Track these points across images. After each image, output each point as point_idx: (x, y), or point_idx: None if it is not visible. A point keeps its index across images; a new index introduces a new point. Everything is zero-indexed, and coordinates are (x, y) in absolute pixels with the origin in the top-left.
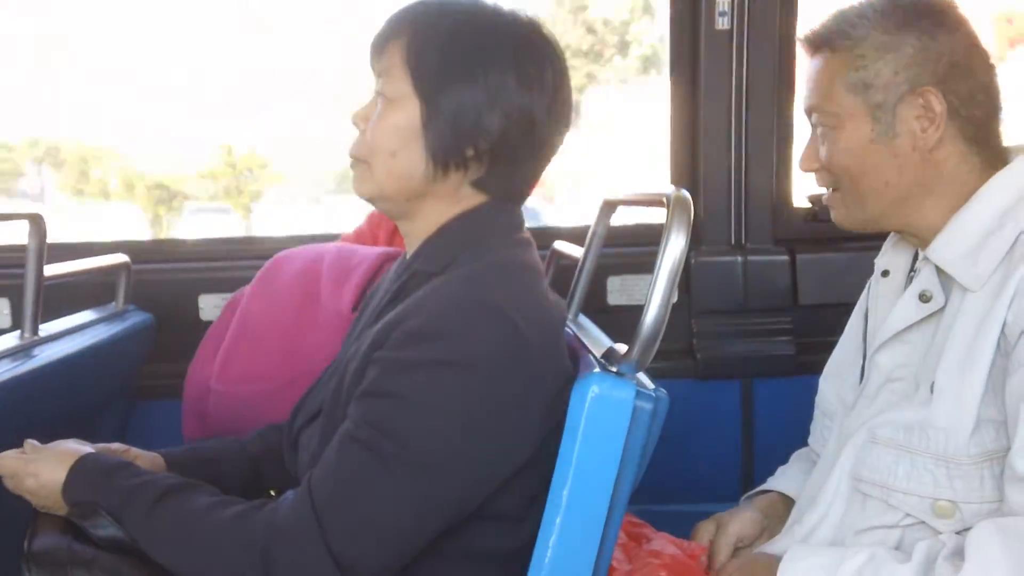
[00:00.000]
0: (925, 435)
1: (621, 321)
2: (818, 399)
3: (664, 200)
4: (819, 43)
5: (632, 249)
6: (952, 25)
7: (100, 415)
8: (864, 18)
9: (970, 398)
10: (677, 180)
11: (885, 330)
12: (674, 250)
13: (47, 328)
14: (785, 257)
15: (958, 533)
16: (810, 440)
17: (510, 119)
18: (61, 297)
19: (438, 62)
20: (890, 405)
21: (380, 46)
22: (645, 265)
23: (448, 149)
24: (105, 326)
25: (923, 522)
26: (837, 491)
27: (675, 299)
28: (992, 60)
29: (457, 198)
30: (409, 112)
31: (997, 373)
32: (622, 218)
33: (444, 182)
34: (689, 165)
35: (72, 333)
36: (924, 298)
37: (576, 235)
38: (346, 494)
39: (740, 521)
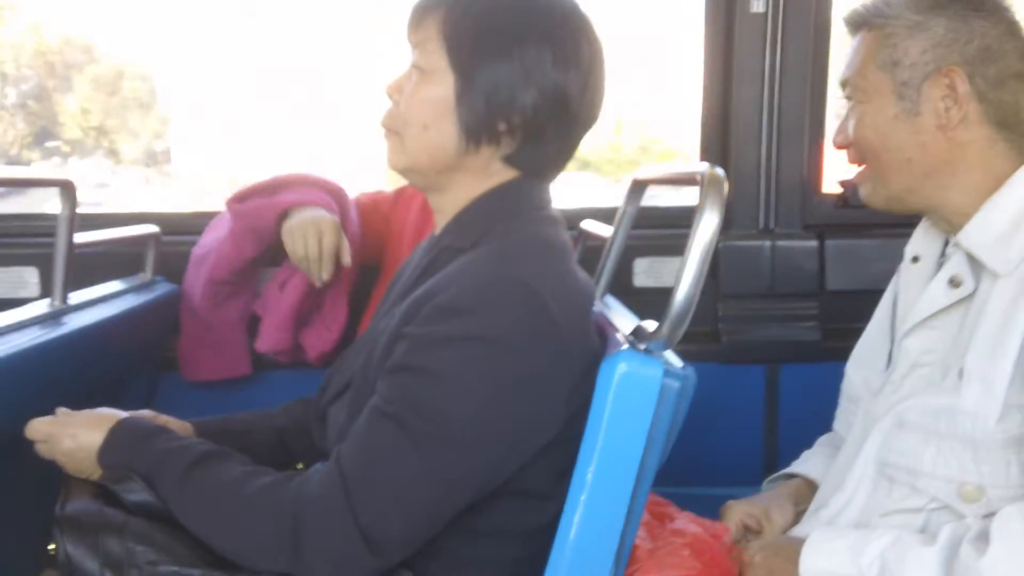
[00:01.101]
0: (953, 420)
1: (647, 303)
2: (844, 384)
3: (698, 178)
4: (859, 22)
5: (660, 231)
6: (988, 10)
7: (127, 384)
8: None
9: (999, 383)
10: (708, 155)
11: (914, 315)
12: (708, 228)
13: (76, 296)
14: (814, 242)
15: (983, 517)
16: (835, 425)
17: (544, 96)
18: (90, 267)
19: (474, 37)
20: (917, 390)
21: (418, 18)
22: (673, 248)
23: (481, 124)
24: (133, 296)
25: (948, 506)
26: (863, 475)
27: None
28: None
29: (488, 173)
30: (443, 85)
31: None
32: (650, 200)
33: (476, 156)
34: (720, 148)
35: (100, 302)
36: (954, 283)
37: (605, 215)
38: (374, 468)
39: (783, 513)
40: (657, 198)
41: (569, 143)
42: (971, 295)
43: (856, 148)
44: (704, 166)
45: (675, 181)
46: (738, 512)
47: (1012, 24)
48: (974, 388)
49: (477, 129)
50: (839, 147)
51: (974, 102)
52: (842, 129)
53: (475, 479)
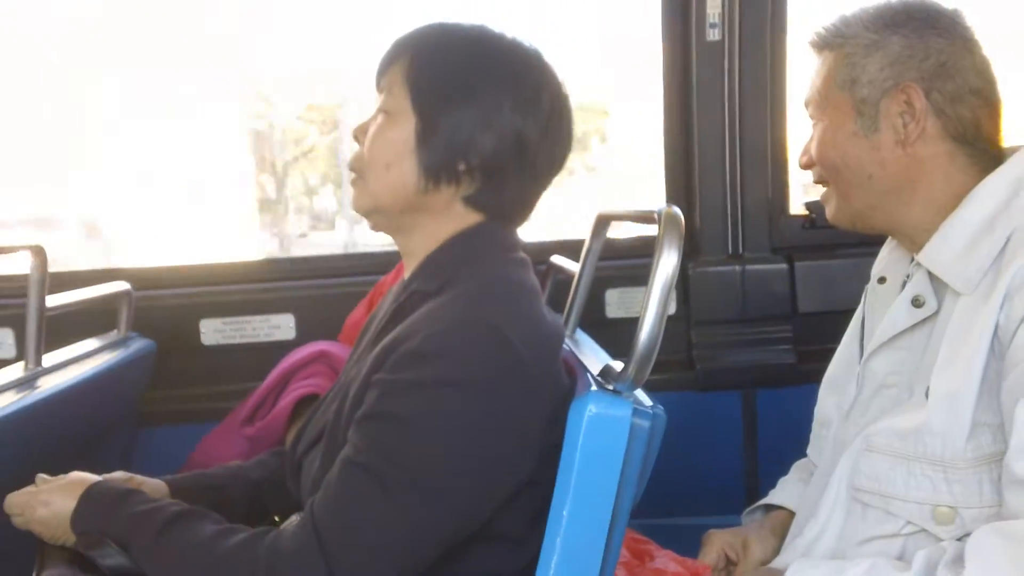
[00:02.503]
0: (921, 441)
1: (620, 334)
2: (817, 409)
3: (655, 216)
4: (821, 44)
5: (629, 261)
6: (945, 28)
7: (103, 442)
8: (857, 19)
9: (965, 402)
10: (672, 191)
11: (878, 336)
12: (666, 267)
13: (50, 358)
14: (783, 265)
15: (959, 539)
16: (808, 450)
17: (503, 140)
18: (64, 326)
19: (437, 81)
20: (884, 412)
21: (385, 64)
22: (642, 277)
23: (440, 163)
24: (107, 354)
25: (924, 530)
26: (836, 501)
27: (672, 311)
28: (990, 68)
29: (450, 215)
30: (405, 127)
31: (992, 376)
32: (620, 231)
33: (436, 195)
34: (684, 176)
35: (75, 363)
36: (917, 303)
37: (574, 248)
38: (348, 519)
39: (762, 545)
40: (627, 227)
41: (531, 187)
42: (935, 314)
43: (819, 167)
44: (661, 205)
45: (635, 219)
46: (718, 542)
47: (968, 41)
48: (941, 408)
49: (437, 169)
50: (804, 167)
51: (932, 117)
52: (806, 149)
53: (449, 525)
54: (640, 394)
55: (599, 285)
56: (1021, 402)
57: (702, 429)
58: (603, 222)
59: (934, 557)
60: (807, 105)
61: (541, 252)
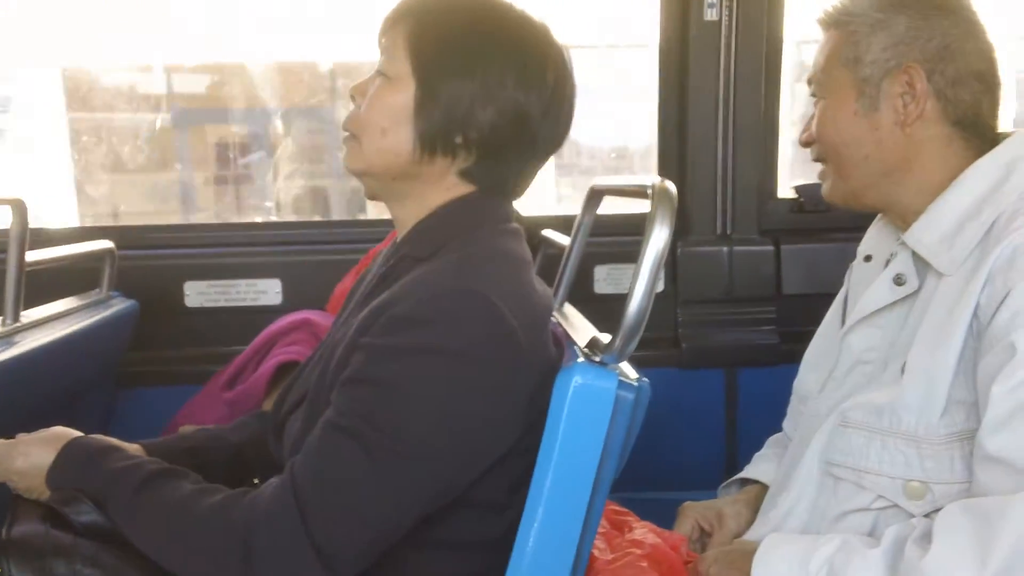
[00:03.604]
0: (896, 416)
1: (607, 309)
2: (796, 383)
3: (648, 191)
4: (828, 22)
5: (619, 238)
6: (950, 10)
7: (82, 401)
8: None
9: (941, 379)
10: (664, 170)
11: (858, 312)
12: (657, 241)
13: (29, 315)
14: (770, 248)
15: (929, 515)
16: (784, 424)
17: (503, 115)
18: (46, 283)
19: (439, 50)
20: (859, 387)
21: (389, 24)
22: (631, 254)
23: (437, 134)
24: (88, 313)
25: (896, 505)
26: (809, 475)
27: (661, 289)
28: (994, 53)
29: (444, 185)
30: (404, 93)
31: (969, 354)
32: (610, 207)
33: (430, 166)
34: (676, 155)
35: (54, 320)
36: (898, 281)
37: (565, 223)
38: (328, 482)
39: (737, 518)
40: (617, 205)
41: (529, 164)
42: (915, 293)
43: (818, 144)
44: (654, 179)
45: (628, 193)
46: (693, 514)
47: (973, 24)
48: (917, 384)
49: (433, 139)
50: (804, 144)
51: (932, 99)
52: (807, 126)
53: (430, 491)
54: (626, 367)
55: (588, 260)
56: (997, 381)
57: (685, 406)
58: (595, 196)
59: (903, 533)
60: (810, 83)
61: (532, 225)
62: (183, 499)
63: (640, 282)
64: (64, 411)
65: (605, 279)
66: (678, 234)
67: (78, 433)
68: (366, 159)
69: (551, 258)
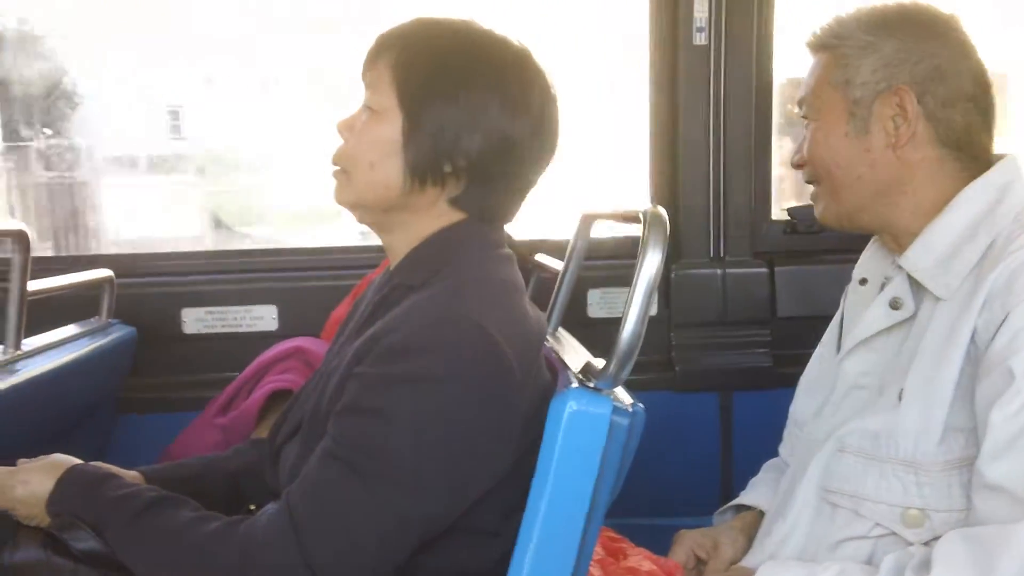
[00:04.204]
0: (894, 443)
1: (601, 333)
2: (792, 408)
3: (640, 216)
4: (817, 44)
5: (612, 262)
6: (940, 32)
7: (81, 429)
8: (854, 20)
9: (939, 405)
10: (657, 194)
11: (854, 336)
12: (650, 266)
13: (30, 343)
14: (764, 270)
15: (927, 543)
16: (780, 449)
17: (490, 141)
18: (46, 311)
19: (424, 79)
20: (855, 412)
21: (372, 58)
22: (625, 278)
23: (426, 164)
24: (88, 340)
25: (893, 532)
26: (806, 502)
27: (654, 312)
28: (986, 74)
29: (435, 214)
30: (392, 125)
31: (967, 380)
32: (604, 231)
33: (421, 196)
34: (669, 179)
35: (55, 348)
36: (895, 306)
37: (559, 247)
38: (325, 511)
39: (733, 545)
40: (610, 228)
41: (518, 187)
42: (911, 317)
43: (810, 166)
44: (646, 205)
45: (620, 218)
46: (688, 542)
47: (964, 46)
48: (914, 411)
49: (423, 169)
50: (796, 166)
51: (923, 121)
52: (799, 148)
53: (426, 519)
54: (620, 392)
55: (582, 285)
56: (996, 407)
57: (679, 430)
58: (588, 221)
59: (902, 561)
60: (800, 104)
61: (525, 250)
62: (181, 526)
63: (634, 308)
64: (64, 437)
65: (599, 303)
66: (671, 257)
67: (77, 461)
68: (357, 193)
69: (544, 283)
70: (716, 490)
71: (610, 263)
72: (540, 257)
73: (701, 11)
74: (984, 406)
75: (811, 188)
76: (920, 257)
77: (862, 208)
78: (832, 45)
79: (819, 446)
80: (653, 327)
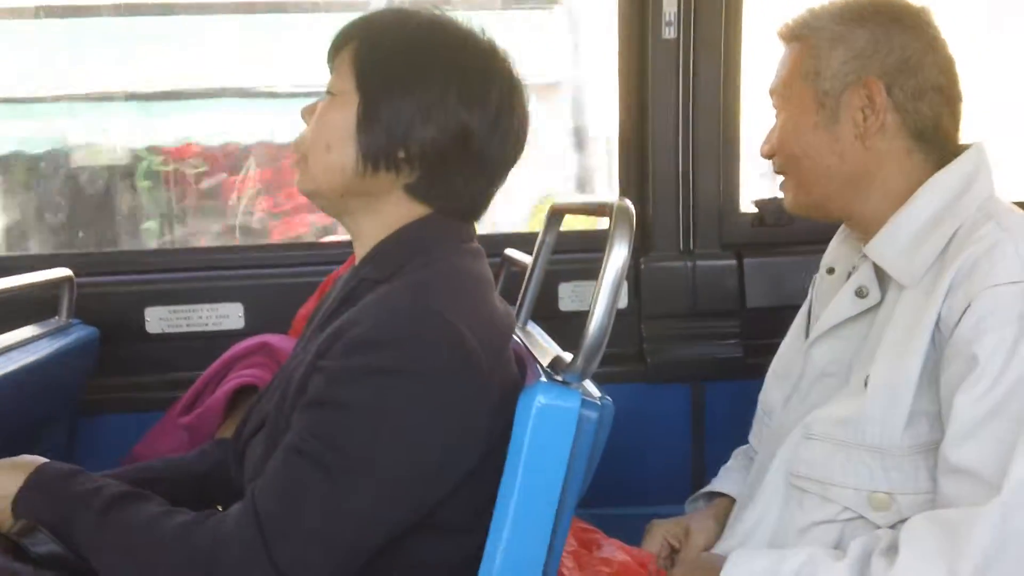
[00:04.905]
0: (860, 429)
1: (572, 327)
2: (761, 396)
3: (607, 210)
4: (789, 35)
5: (582, 255)
6: (910, 24)
7: (44, 431)
8: (825, 11)
9: (904, 391)
10: (626, 187)
11: (820, 325)
12: (616, 260)
13: None
14: (733, 261)
15: (894, 526)
16: (751, 438)
17: (445, 131)
18: (3, 312)
19: (381, 67)
20: (824, 400)
21: (337, 45)
22: (596, 271)
23: (379, 149)
24: (48, 341)
25: (861, 516)
26: (775, 488)
27: (624, 305)
28: (954, 66)
29: (393, 201)
30: (348, 109)
31: (931, 366)
32: (575, 224)
33: (375, 180)
34: (638, 172)
35: (13, 350)
36: (861, 294)
37: (530, 241)
38: (290, 506)
39: (705, 533)
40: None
41: (480, 181)
42: (877, 305)
43: (779, 156)
44: (614, 198)
45: (588, 212)
46: (661, 531)
47: (934, 38)
48: (880, 397)
49: (375, 154)
50: (765, 155)
51: (892, 113)
52: (768, 138)
53: (393, 514)
54: (589, 385)
55: (553, 278)
56: (960, 391)
57: (651, 421)
58: (556, 215)
59: (869, 545)
60: (771, 95)
61: (495, 245)
62: (146, 522)
63: (600, 302)
64: (27, 441)
65: (570, 296)
66: (641, 250)
67: (44, 460)
68: (314, 178)
69: (515, 276)
70: (688, 479)
71: (581, 256)
72: (510, 252)
73: (670, 5)
74: (949, 391)
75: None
76: (885, 245)
77: (830, 198)
78: (803, 36)
79: (787, 433)
80: (623, 319)
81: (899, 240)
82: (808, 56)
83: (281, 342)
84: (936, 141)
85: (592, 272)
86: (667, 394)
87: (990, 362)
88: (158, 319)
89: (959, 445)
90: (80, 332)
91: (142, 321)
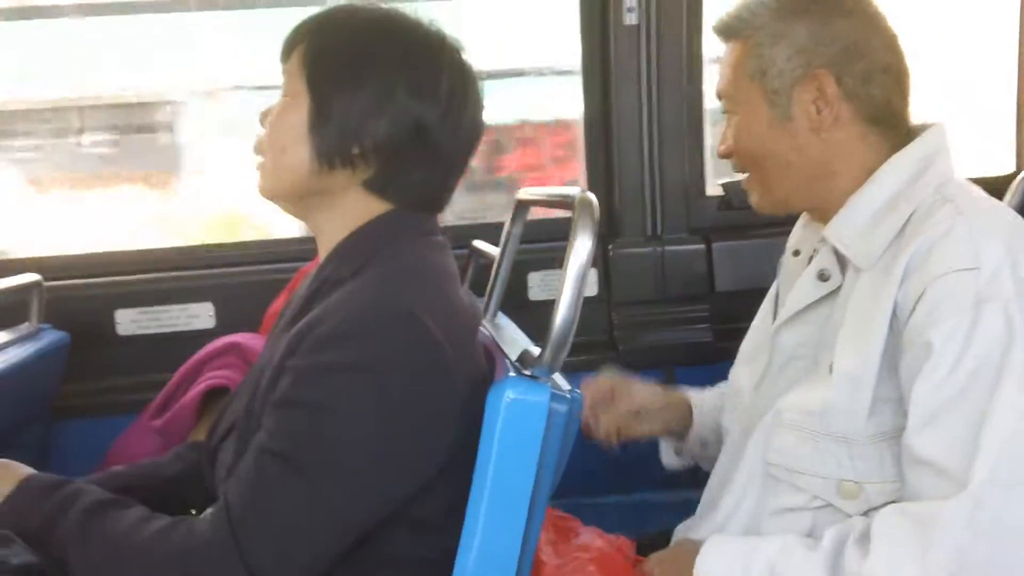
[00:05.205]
0: (826, 417)
1: (543, 316)
2: (731, 375)
3: (570, 202)
4: (727, 32)
5: (551, 244)
6: (849, 8)
7: (16, 438)
8: (762, 6)
9: (866, 379)
10: (591, 174)
11: (787, 309)
12: (580, 252)
13: None
14: (701, 246)
15: (865, 514)
16: (722, 419)
17: (398, 124)
18: None
19: (331, 64)
20: (794, 383)
21: (288, 48)
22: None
23: (332, 147)
24: (18, 348)
25: (831, 504)
26: (751, 475)
27: (594, 293)
28: (898, 42)
29: (351, 197)
30: (300, 110)
31: (891, 352)
32: (544, 212)
33: (331, 178)
34: (604, 158)
35: None
36: (822, 277)
37: (496, 232)
38: (261, 506)
39: (649, 391)
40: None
41: (437, 172)
42: (839, 288)
43: (738, 157)
44: (576, 190)
45: (552, 204)
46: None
47: (875, 17)
48: (843, 387)
49: (329, 152)
50: (723, 156)
51: (844, 102)
52: (724, 139)
53: (363, 510)
54: (558, 378)
55: (521, 268)
56: (918, 380)
57: None
58: (522, 206)
59: (843, 533)
60: (720, 97)
61: (462, 236)
62: (124, 529)
63: (566, 294)
64: (0, 448)
65: (539, 285)
66: (609, 236)
67: (29, 471)
68: (272, 181)
69: (483, 268)
70: (661, 467)
71: (549, 245)
72: (477, 243)
73: None
74: (908, 380)
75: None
76: (843, 227)
77: (795, 193)
78: (744, 35)
79: (760, 417)
80: (593, 307)
81: (856, 222)
82: (751, 56)
83: (252, 341)
84: (889, 122)
85: (561, 261)
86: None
87: (946, 350)
88: (128, 321)
89: (920, 434)
90: (50, 337)
91: (112, 324)
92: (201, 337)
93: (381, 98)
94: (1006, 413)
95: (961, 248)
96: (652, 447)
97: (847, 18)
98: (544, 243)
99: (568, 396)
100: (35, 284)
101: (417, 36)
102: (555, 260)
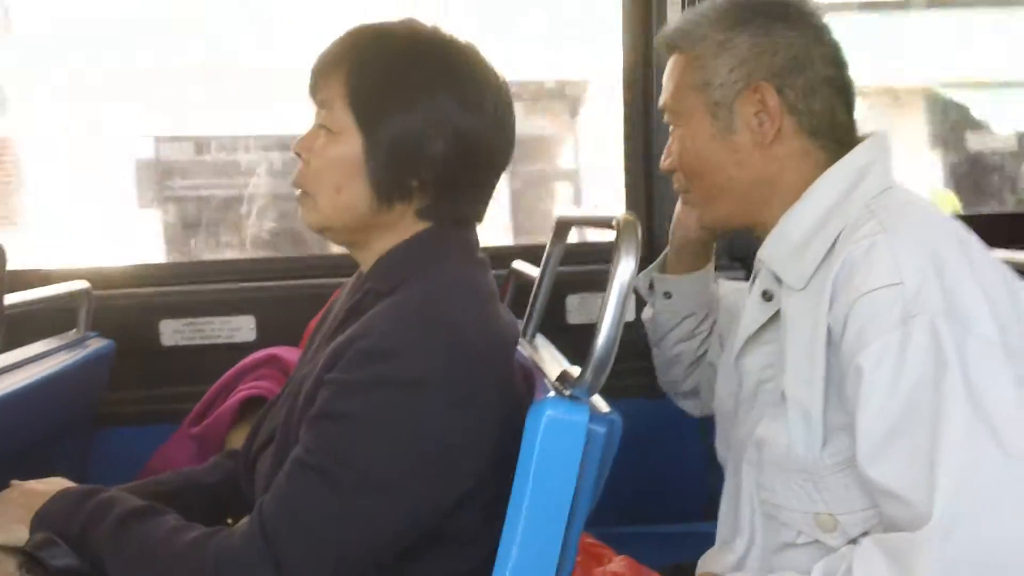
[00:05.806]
0: (790, 449)
1: (581, 339)
2: (715, 401)
3: (613, 223)
4: (671, 45)
5: (590, 267)
6: (792, 19)
7: (59, 443)
8: (705, 18)
9: (815, 409)
10: (632, 198)
11: (740, 334)
12: (623, 274)
13: (6, 358)
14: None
15: (849, 544)
16: (716, 445)
17: (451, 144)
18: (23, 324)
19: (377, 92)
20: (769, 406)
21: (321, 77)
22: (602, 283)
23: (392, 181)
24: (65, 354)
25: (816, 540)
26: (752, 512)
27: (632, 318)
28: (840, 51)
29: (404, 226)
30: (351, 146)
31: (835, 376)
32: (583, 235)
33: (389, 213)
34: (644, 183)
35: (31, 363)
36: (766, 297)
37: (538, 254)
38: (297, 520)
39: None
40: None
41: (483, 188)
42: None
43: (680, 172)
44: (619, 212)
45: (593, 224)
46: None
47: (819, 29)
48: (796, 419)
49: (389, 187)
50: (666, 171)
51: (787, 115)
52: (668, 153)
53: (399, 525)
54: (597, 400)
55: (560, 290)
56: (857, 410)
57: (662, 436)
58: (563, 227)
59: (832, 566)
60: (663, 111)
61: (502, 256)
62: (160, 538)
63: (607, 315)
64: (42, 453)
65: (577, 309)
66: (649, 261)
67: (70, 483)
68: (325, 217)
69: (523, 289)
70: (700, 495)
71: (589, 268)
72: (517, 264)
73: (675, 11)
74: (852, 407)
75: None
76: (776, 246)
77: (735, 209)
78: (686, 47)
79: (744, 450)
80: (633, 331)
81: (788, 241)
82: (694, 68)
83: (290, 355)
84: (833, 135)
85: (600, 284)
86: (678, 408)
87: (878, 373)
88: (172, 332)
89: (871, 466)
90: (96, 344)
91: (157, 334)
92: (242, 350)
93: (434, 120)
94: (955, 433)
95: (883, 264)
96: (688, 478)
97: (789, 29)
98: (584, 266)
99: (607, 418)
100: (84, 292)
101: (457, 51)
102: (594, 283)
